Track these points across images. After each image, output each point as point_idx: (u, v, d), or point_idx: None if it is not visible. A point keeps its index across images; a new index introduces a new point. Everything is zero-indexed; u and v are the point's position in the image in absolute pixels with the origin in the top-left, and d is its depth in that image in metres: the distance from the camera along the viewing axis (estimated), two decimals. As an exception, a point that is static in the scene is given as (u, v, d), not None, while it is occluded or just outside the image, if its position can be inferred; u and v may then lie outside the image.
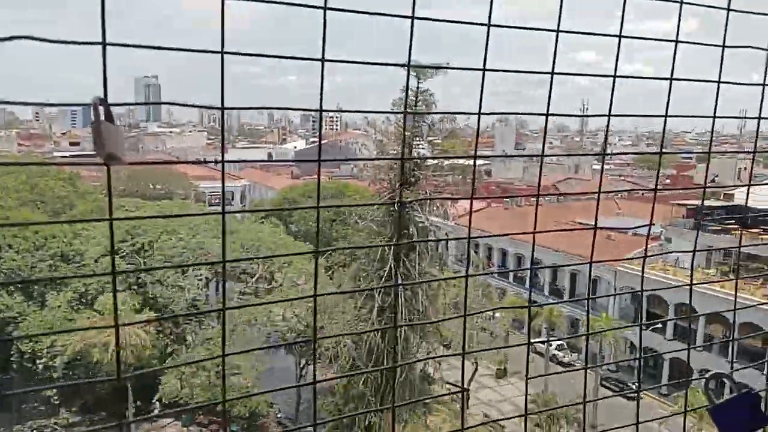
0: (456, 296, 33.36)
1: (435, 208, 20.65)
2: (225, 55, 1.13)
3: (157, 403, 28.74)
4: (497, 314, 38.23)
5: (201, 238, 31.51)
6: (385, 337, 19.64)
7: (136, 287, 30.55)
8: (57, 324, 28.87)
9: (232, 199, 61.16)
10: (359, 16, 1.23)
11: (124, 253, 31.16)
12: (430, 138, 21.07)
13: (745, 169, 56.44)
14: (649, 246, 39.58)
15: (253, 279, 34.32)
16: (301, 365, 33.33)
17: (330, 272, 30.12)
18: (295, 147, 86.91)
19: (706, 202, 39.46)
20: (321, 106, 1.20)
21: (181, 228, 31.87)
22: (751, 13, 1.76)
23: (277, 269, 33.42)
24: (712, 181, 65.30)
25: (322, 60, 1.17)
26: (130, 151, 79.85)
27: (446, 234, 43.03)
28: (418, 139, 20.34)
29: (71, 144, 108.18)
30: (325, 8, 1.15)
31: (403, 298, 19.49)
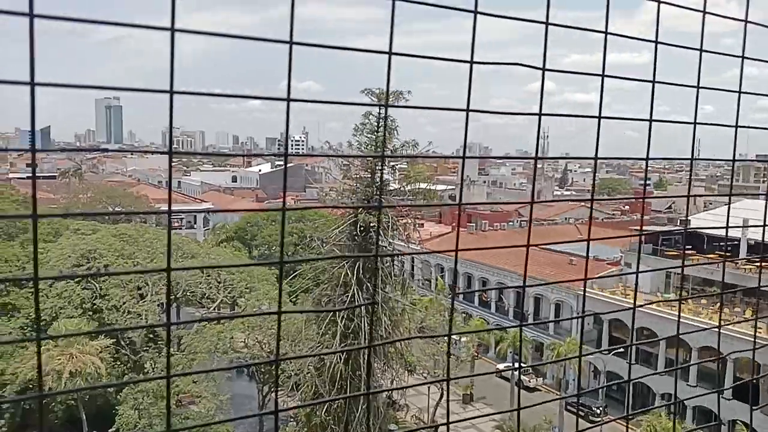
0: (421, 321, 33.22)
1: (398, 233, 20.60)
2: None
3: (113, 434, 27.63)
4: (463, 338, 38.19)
5: (159, 262, 30.75)
6: (349, 364, 19.31)
7: (91, 313, 29.56)
8: (8, 351, 27.62)
9: (195, 222, 60.07)
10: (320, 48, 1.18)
11: (79, 278, 30.17)
12: (393, 163, 21.13)
13: (701, 197, 58.22)
14: (609, 270, 40.30)
15: (215, 304, 33.58)
16: (264, 393, 32.59)
17: (293, 297, 29.68)
18: (260, 170, 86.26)
19: (665, 228, 40.45)
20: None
21: (139, 252, 31.08)
22: (686, 47, 1.77)
23: (239, 294, 32.80)
24: (669, 208, 67.25)
25: (288, 99, 1.13)
26: (89, 173, 77.94)
27: (412, 259, 43.07)
28: (381, 164, 20.31)
29: (27, 165, 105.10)
30: (290, 43, 1.10)
31: (366, 324, 19.25)
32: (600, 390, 37.11)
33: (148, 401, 26.70)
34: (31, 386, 26.34)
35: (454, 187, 78.00)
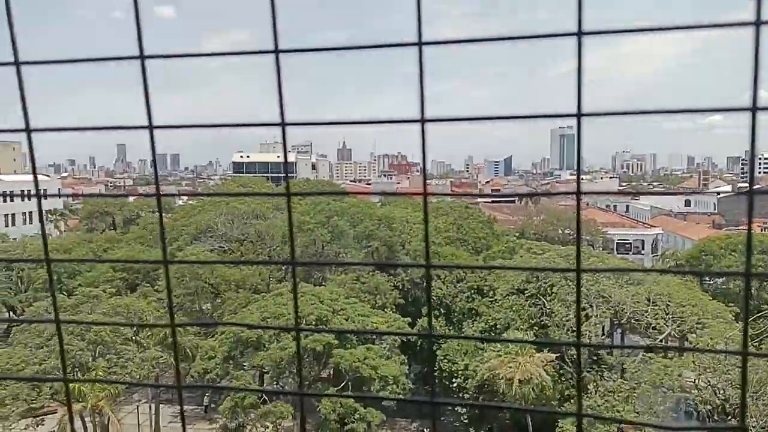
0: None
1: None
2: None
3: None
4: None
5: (602, 286, 30.88)
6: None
7: (537, 328, 31.76)
8: (470, 349, 32.07)
9: (642, 248, 58.01)
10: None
11: (529, 294, 32.78)
12: None
13: None
14: None
15: (662, 336, 31.56)
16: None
17: (755, 342, 25.40)
18: (719, 194, 77.26)
19: None
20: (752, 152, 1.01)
21: (586, 275, 31.82)
22: None
23: (689, 330, 30.02)
24: None
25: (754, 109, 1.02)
26: (544, 198, 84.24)
27: None
28: None
29: (492, 190, 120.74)
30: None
31: None
32: None
33: (589, 421, 26.94)
34: (486, 384, 29.92)
35: None
